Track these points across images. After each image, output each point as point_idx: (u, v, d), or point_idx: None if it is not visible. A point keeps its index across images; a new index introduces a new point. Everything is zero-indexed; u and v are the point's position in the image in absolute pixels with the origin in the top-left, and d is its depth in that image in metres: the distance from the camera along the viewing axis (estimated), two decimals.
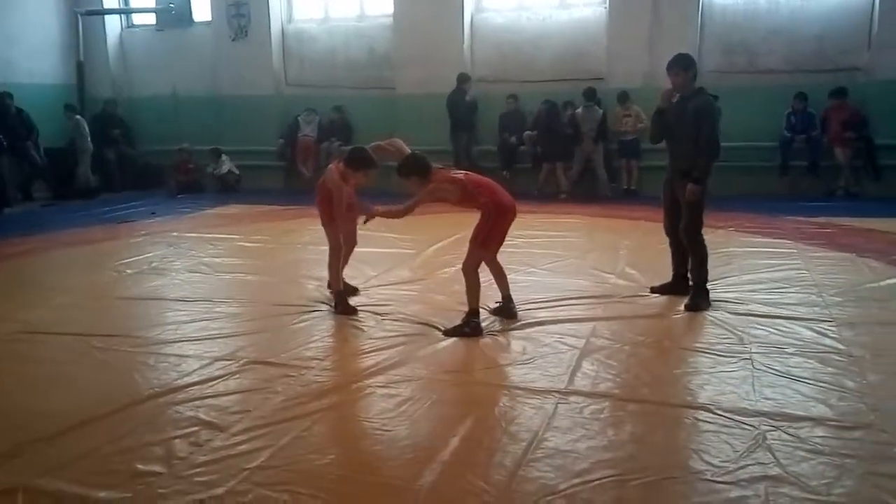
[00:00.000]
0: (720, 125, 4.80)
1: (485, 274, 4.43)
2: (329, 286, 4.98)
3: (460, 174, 4.35)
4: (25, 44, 11.64)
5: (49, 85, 11.90)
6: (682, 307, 4.68)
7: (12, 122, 10.37)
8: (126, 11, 12.88)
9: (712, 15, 9.89)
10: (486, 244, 4.30)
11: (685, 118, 4.72)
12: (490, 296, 4.60)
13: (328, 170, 4.77)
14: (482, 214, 4.27)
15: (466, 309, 4.27)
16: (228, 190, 11.45)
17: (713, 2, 9.89)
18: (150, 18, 12.52)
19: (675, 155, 4.91)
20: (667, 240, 5.11)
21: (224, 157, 11.66)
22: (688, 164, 4.73)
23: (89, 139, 11.22)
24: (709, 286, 4.85)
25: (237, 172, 11.69)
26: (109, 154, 11.80)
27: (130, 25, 12.97)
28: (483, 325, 4.31)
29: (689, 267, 4.87)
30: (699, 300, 4.74)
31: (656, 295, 5.03)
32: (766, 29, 9.70)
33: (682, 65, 4.74)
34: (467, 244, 4.36)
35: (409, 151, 4.55)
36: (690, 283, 4.86)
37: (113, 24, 12.78)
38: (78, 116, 11.28)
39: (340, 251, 4.83)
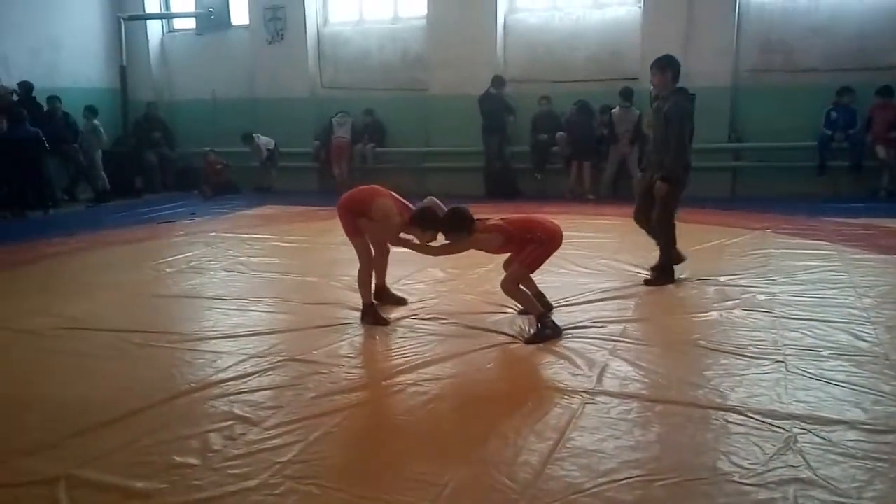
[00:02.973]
0: (694, 124, 5.13)
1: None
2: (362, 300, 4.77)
3: (498, 220, 4.23)
4: (70, 49, 11.99)
5: (93, 89, 12.23)
6: (713, 310, 4.65)
7: (59, 126, 10.69)
8: (167, 16, 13.18)
9: (749, 13, 9.74)
10: (533, 267, 4.24)
11: (661, 117, 5.05)
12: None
13: (380, 201, 4.41)
14: (535, 244, 4.16)
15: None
16: (264, 190, 11.63)
17: (750, 0, 9.74)
18: (191, 23, 12.78)
19: (654, 151, 5.25)
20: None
21: (256, 137, 11.52)
22: (661, 161, 5.10)
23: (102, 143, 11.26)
24: (743, 287, 4.97)
25: (272, 147, 11.61)
26: (151, 156, 12.12)
27: (171, 30, 13.27)
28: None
29: (659, 250, 5.30)
30: (664, 277, 5.22)
31: (681, 288, 5.21)
32: (805, 27, 9.52)
33: (660, 65, 5.08)
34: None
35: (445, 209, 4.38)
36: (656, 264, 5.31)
37: (154, 28, 13.10)
38: (95, 121, 11.20)
39: (371, 264, 4.62)
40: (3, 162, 9.59)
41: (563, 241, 4.30)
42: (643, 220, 5.41)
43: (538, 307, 4.23)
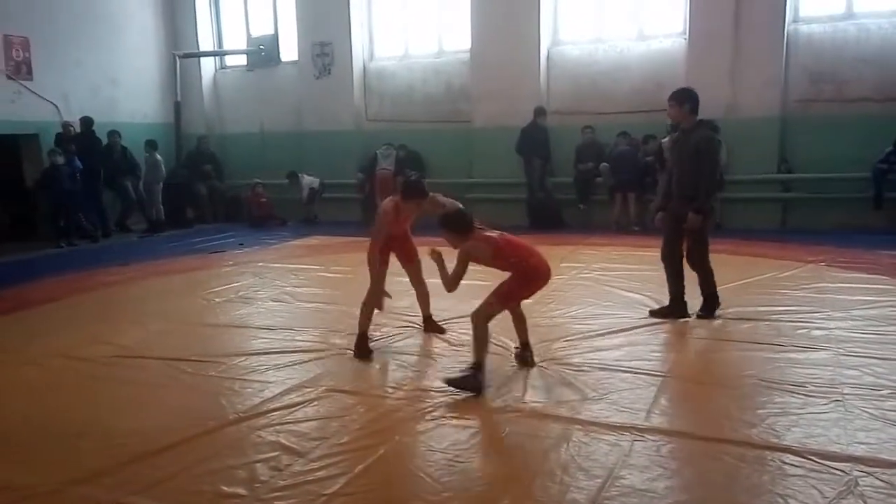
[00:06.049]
0: (725, 156, 5.12)
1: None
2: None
3: (495, 234, 4.04)
4: (128, 85, 12.48)
5: (149, 124, 12.69)
6: (766, 345, 4.52)
7: (117, 159, 11.09)
8: (220, 53, 13.64)
9: (798, 43, 9.61)
10: (506, 300, 4.01)
11: (687, 150, 4.99)
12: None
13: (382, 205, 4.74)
14: (513, 274, 3.99)
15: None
16: (310, 221, 11.83)
17: (799, 30, 9.62)
18: (242, 60, 13.21)
19: (677, 185, 5.12)
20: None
21: (302, 177, 11.89)
22: (689, 194, 4.97)
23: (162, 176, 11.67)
24: (798, 322, 4.81)
25: (316, 187, 11.95)
26: (201, 188, 12.46)
27: (223, 67, 13.73)
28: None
29: (698, 282, 5.18)
30: (711, 309, 5.14)
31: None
32: (856, 57, 9.33)
33: (677, 99, 5.04)
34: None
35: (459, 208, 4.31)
36: (701, 296, 5.19)
37: (207, 65, 13.56)
38: (158, 155, 11.66)
39: (379, 295, 4.71)
40: (60, 193, 10.01)
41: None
42: (670, 258, 5.23)
43: (482, 356, 3.92)
